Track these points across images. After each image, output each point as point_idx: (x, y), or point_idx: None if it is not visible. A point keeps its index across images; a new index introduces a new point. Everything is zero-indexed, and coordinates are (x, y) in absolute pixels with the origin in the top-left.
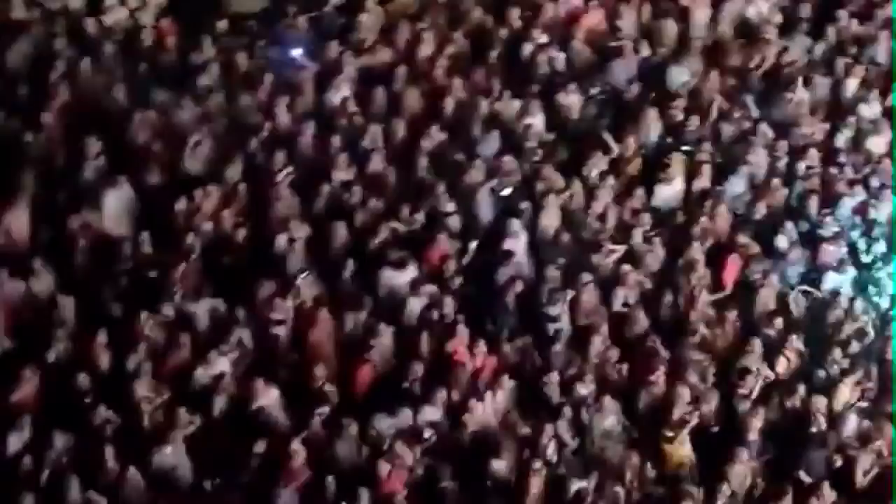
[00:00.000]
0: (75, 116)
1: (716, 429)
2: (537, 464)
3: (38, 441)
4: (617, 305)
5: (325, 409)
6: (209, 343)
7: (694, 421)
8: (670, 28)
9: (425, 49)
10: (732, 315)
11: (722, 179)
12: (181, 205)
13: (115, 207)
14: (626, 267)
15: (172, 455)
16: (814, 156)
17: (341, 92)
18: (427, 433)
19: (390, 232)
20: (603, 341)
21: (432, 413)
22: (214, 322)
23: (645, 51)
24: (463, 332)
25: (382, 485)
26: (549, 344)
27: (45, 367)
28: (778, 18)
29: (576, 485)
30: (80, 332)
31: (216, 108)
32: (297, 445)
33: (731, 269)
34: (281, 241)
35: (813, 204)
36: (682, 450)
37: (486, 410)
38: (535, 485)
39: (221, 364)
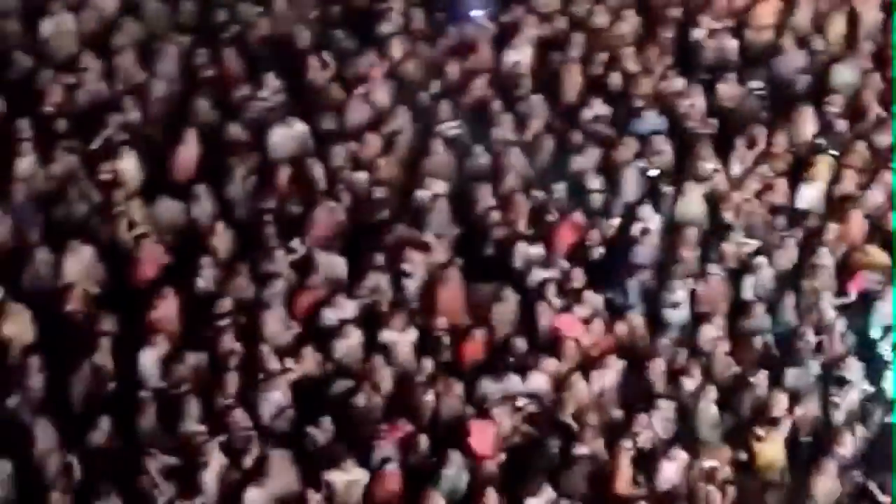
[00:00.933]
0: (260, 51)
1: (809, 438)
2: (629, 444)
3: (169, 361)
4: (741, 299)
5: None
6: (340, 287)
7: (787, 423)
8: (841, 26)
9: (599, 21)
10: (844, 324)
11: (864, 186)
12: (340, 149)
13: (280, 145)
14: (756, 261)
15: (280, 397)
16: None
17: (516, 55)
18: (521, 402)
19: (532, 200)
20: (717, 331)
21: (536, 383)
22: (349, 266)
23: (812, 46)
24: (582, 307)
25: (477, 449)
26: (664, 330)
27: (190, 290)
28: None
29: (667, 471)
30: (229, 260)
31: (391, 59)
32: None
33: (859, 281)
34: (424, 195)
35: None
36: (773, 450)
37: (591, 389)
38: (625, 468)
39: (349, 308)
